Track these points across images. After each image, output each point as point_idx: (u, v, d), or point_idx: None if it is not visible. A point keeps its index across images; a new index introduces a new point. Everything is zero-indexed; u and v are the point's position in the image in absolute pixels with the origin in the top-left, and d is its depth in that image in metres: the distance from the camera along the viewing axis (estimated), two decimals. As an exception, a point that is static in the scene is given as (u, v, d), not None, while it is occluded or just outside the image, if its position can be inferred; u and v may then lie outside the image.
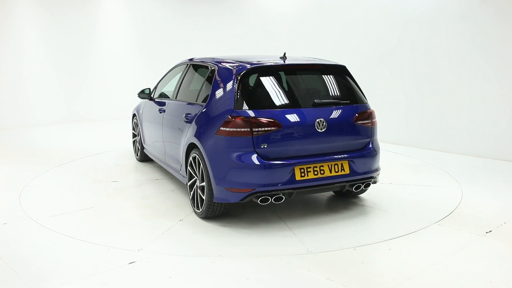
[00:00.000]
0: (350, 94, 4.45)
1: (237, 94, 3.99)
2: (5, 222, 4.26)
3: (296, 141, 3.98)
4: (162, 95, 5.64)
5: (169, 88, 5.61)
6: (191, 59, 5.39)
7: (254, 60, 4.37)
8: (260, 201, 3.91)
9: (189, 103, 4.73)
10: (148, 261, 3.46)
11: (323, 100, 4.23)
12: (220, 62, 4.53)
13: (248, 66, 4.17)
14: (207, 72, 4.67)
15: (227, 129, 3.90)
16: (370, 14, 8.15)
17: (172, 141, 4.96)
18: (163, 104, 5.39)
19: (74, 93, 10.45)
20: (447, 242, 3.84)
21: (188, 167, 4.47)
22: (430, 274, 3.27)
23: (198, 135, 4.24)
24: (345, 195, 4.94)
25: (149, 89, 5.96)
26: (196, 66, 5.13)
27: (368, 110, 4.41)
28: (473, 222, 4.27)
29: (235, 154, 3.88)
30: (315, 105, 4.14)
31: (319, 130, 4.04)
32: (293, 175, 3.91)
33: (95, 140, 8.38)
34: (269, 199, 3.92)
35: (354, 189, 4.27)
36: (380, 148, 4.61)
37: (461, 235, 3.97)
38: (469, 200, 4.90)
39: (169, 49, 10.90)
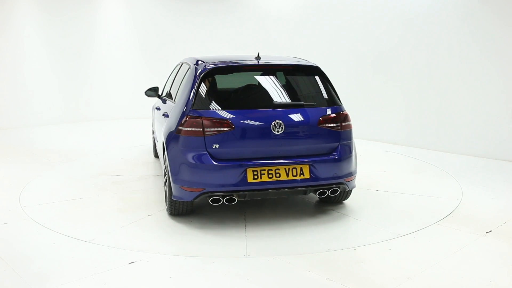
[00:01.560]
0: (319, 96, 4.30)
1: (196, 94, 4.04)
2: (5, 222, 4.26)
3: (250, 142, 3.92)
4: (167, 93, 5.69)
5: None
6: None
7: (228, 60, 4.36)
8: (211, 201, 3.93)
9: (171, 102, 4.81)
10: (148, 261, 3.46)
11: (282, 102, 4.12)
12: (197, 62, 4.46)
13: (210, 66, 4.18)
14: (186, 71, 4.72)
15: (183, 128, 3.94)
16: (370, 13, 8.15)
17: None
18: (164, 102, 5.45)
19: (74, 93, 10.45)
20: (447, 242, 3.84)
21: (163, 164, 4.58)
22: (430, 274, 3.27)
23: (164, 133, 4.33)
24: (327, 201, 4.69)
25: (157, 87, 6.00)
26: (183, 66, 5.20)
27: (336, 113, 4.19)
28: (473, 222, 4.27)
29: (188, 154, 3.91)
30: (275, 106, 4.06)
31: (276, 132, 3.92)
32: (245, 177, 3.85)
33: (94, 139, 8.38)
34: (220, 200, 3.92)
35: (318, 194, 4.11)
36: (357, 153, 4.43)
37: (461, 235, 3.97)
38: (469, 200, 4.90)
39: (169, 48, 10.90)
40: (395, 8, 7.80)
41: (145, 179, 5.66)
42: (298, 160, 3.97)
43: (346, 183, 4.21)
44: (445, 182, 5.58)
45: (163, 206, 4.66)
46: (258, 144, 3.93)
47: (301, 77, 4.45)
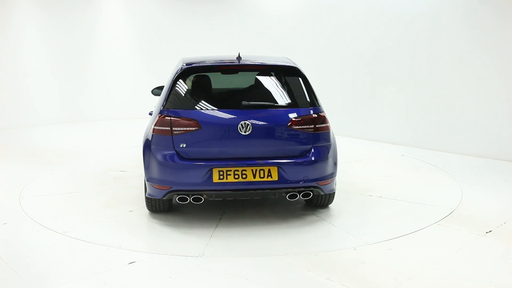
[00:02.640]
0: (294, 97, 4.24)
1: (169, 94, 4.09)
2: (5, 222, 4.26)
3: (216, 142, 3.93)
4: None
5: None
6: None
7: (206, 61, 4.39)
8: (178, 199, 3.98)
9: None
10: (148, 261, 3.46)
11: (251, 102, 4.04)
12: (184, 62, 4.47)
13: (185, 66, 4.23)
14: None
15: (155, 127, 4.01)
16: (370, 12, 8.14)
17: None
18: None
19: (74, 93, 10.44)
20: (447, 242, 3.84)
21: None
22: (430, 274, 3.27)
23: (145, 132, 4.36)
24: (311, 204, 4.60)
25: (163, 86, 5.99)
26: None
27: (310, 115, 4.07)
28: (473, 222, 4.27)
29: (158, 152, 3.97)
30: (244, 107, 4.01)
31: (243, 133, 3.89)
32: (211, 177, 3.86)
33: (94, 139, 8.38)
34: (187, 199, 3.96)
35: (288, 197, 4.03)
36: (338, 158, 4.28)
37: (461, 235, 3.97)
38: (469, 200, 4.89)
39: (169, 48, 10.89)
40: (395, 7, 7.79)
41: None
42: (266, 162, 3.92)
43: (320, 186, 4.07)
44: (445, 182, 5.58)
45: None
46: (225, 145, 3.93)
47: (279, 78, 4.39)
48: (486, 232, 4.03)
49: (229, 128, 3.91)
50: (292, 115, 4.03)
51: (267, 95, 4.29)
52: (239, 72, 4.54)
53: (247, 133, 3.90)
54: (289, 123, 3.98)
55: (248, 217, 4.38)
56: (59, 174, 5.93)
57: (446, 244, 3.79)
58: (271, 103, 4.14)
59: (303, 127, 4.02)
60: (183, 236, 3.97)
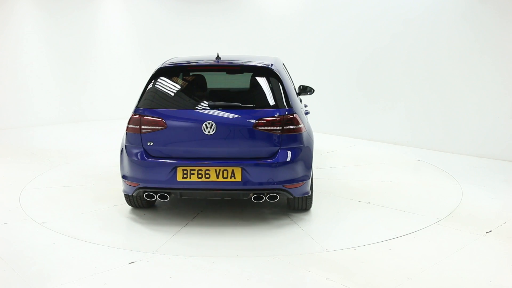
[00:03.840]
0: (265, 97, 4.18)
1: (143, 93, 4.20)
2: (5, 222, 4.26)
3: (181, 142, 3.98)
4: None
5: None
6: None
7: (183, 61, 4.45)
8: (145, 196, 4.08)
9: None
10: (148, 261, 3.46)
11: (217, 103, 4.08)
12: (164, 62, 4.55)
13: (159, 67, 4.32)
14: None
15: (128, 125, 4.14)
16: (370, 12, 8.14)
17: None
18: None
19: (74, 93, 10.44)
20: (447, 242, 3.84)
21: None
22: (430, 274, 3.28)
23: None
24: (291, 207, 4.50)
25: None
26: None
27: (278, 116, 3.99)
28: (473, 222, 4.27)
29: (129, 150, 4.10)
30: (211, 107, 4.05)
31: (207, 133, 3.91)
32: (175, 175, 3.91)
33: (95, 139, 8.38)
34: (154, 196, 4.06)
35: (254, 199, 4.00)
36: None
37: (461, 235, 3.97)
38: (469, 200, 4.90)
39: (169, 49, 10.89)
40: (395, 7, 7.79)
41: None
42: (229, 162, 3.91)
43: (288, 189, 4.00)
44: (445, 182, 5.58)
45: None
46: (189, 144, 3.97)
47: (253, 78, 4.37)
48: (486, 232, 4.03)
49: (193, 128, 3.94)
50: (259, 116, 3.97)
51: (236, 95, 4.28)
52: (219, 73, 4.56)
53: (211, 133, 3.91)
54: (255, 124, 3.94)
55: (222, 216, 4.39)
56: (59, 174, 5.92)
57: (446, 244, 3.79)
58: (238, 104, 4.12)
59: (269, 128, 3.95)
60: (148, 231, 4.06)
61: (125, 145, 4.14)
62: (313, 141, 4.41)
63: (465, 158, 6.87)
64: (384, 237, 3.91)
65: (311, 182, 4.32)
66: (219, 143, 3.93)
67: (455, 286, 3.12)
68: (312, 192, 4.43)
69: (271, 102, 4.10)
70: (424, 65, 7.52)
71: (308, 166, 4.14)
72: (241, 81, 4.42)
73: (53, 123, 10.03)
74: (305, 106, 5.99)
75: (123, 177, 4.15)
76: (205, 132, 3.91)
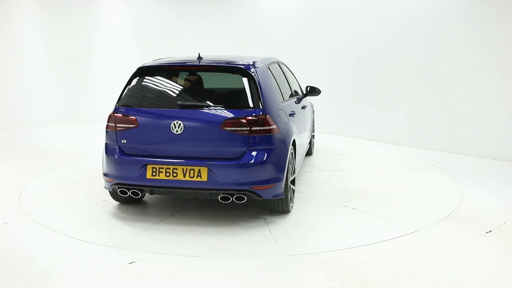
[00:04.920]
0: (235, 98, 4.19)
1: (122, 93, 4.34)
2: (5, 222, 4.26)
3: (151, 140, 4.07)
4: None
5: None
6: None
7: (162, 61, 4.53)
8: (119, 192, 4.20)
9: None
10: (148, 261, 3.46)
11: (186, 102, 4.12)
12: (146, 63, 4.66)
13: (140, 66, 4.44)
14: None
15: (107, 123, 4.29)
16: (370, 12, 8.14)
17: None
18: None
19: (74, 93, 10.44)
20: (447, 242, 3.84)
21: None
22: (430, 274, 3.28)
23: None
24: (267, 209, 4.46)
25: None
26: None
27: (247, 117, 3.96)
28: (473, 222, 4.27)
29: (107, 147, 4.26)
30: (180, 106, 4.08)
31: (175, 133, 3.96)
32: (144, 172, 4.01)
33: (95, 139, 8.38)
34: (127, 192, 4.16)
35: (221, 199, 3.99)
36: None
37: (461, 235, 3.97)
38: (469, 200, 4.90)
39: (169, 49, 10.89)
40: (395, 7, 7.79)
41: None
42: (196, 162, 3.94)
43: (256, 191, 3.97)
44: (445, 182, 5.58)
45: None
46: (159, 142, 4.05)
47: (228, 78, 4.38)
48: (486, 232, 4.03)
49: (163, 127, 4.01)
50: (227, 116, 3.97)
51: (208, 95, 4.28)
52: (203, 73, 4.58)
53: (179, 132, 3.96)
54: (222, 124, 3.94)
55: (199, 216, 4.40)
56: (59, 174, 5.93)
57: (446, 244, 3.79)
58: (207, 104, 4.13)
59: (236, 129, 3.94)
60: (121, 225, 4.19)
61: (105, 143, 4.30)
62: (289, 142, 4.28)
63: (465, 158, 6.87)
64: (384, 237, 3.91)
65: (287, 184, 4.22)
66: (186, 143, 3.98)
67: (455, 286, 3.12)
68: (291, 195, 4.43)
69: (242, 102, 4.09)
70: (425, 65, 7.52)
71: (280, 168, 4.10)
72: (222, 82, 4.43)
73: (53, 123, 10.03)
74: (306, 106, 5.97)
75: (103, 173, 4.30)
76: (173, 131, 3.98)
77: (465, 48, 7.00)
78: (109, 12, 10.84)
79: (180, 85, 4.41)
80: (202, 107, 4.08)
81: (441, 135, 7.42)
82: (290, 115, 4.70)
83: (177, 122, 3.97)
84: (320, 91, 6.08)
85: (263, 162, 3.97)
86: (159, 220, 4.30)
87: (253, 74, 4.19)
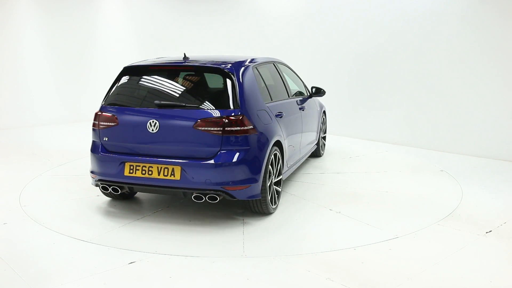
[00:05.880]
0: (212, 98, 4.19)
1: (108, 92, 4.48)
2: (5, 222, 4.26)
3: (129, 138, 4.18)
4: None
5: None
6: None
7: (146, 62, 4.64)
8: (101, 188, 4.35)
9: None
10: (148, 261, 3.46)
11: (162, 102, 4.16)
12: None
13: (125, 66, 4.54)
14: None
15: (93, 121, 4.43)
16: (369, 12, 8.14)
17: None
18: None
19: (74, 93, 10.45)
20: (447, 242, 3.84)
21: None
22: (430, 274, 3.28)
23: None
24: (247, 209, 4.45)
25: None
26: None
27: (220, 117, 3.96)
28: (473, 222, 4.27)
29: (92, 144, 4.42)
30: (157, 106, 4.14)
31: (151, 131, 4.04)
32: (123, 170, 4.13)
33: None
34: (108, 189, 4.29)
35: (194, 198, 4.01)
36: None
37: (461, 235, 3.97)
38: (469, 200, 4.90)
39: (169, 49, 10.89)
40: (395, 7, 7.79)
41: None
42: (170, 161, 4.00)
43: (229, 191, 3.97)
44: (445, 182, 5.58)
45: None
46: (136, 141, 4.14)
47: (209, 79, 4.39)
48: (486, 232, 4.03)
49: (140, 126, 4.10)
50: (200, 116, 3.99)
51: (185, 95, 4.29)
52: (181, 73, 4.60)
53: (154, 131, 4.04)
54: (195, 124, 3.96)
55: (176, 215, 4.44)
56: (59, 174, 5.93)
57: (446, 244, 3.79)
58: (183, 103, 4.14)
59: (209, 128, 3.96)
60: (101, 220, 4.34)
61: (92, 140, 4.46)
62: (268, 144, 4.23)
63: (465, 158, 6.87)
64: (384, 237, 3.91)
65: (265, 185, 4.18)
66: (161, 141, 4.06)
67: (455, 286, 3.12)
68: (273, 197, 4.41)
69: (218, 102, 4.10)
70: (425, 65, 7.52)
71: (256, 169, 4.08)
72: (202, 82, 4.43)
73: (53, 123, 10.03)
74: (306, 107, 5.89)
75: (90, 170, 4.44)
76: (149, 130, 4.06)
77: (466, 48, 7.00)
78: (109, 12, 10.84)
79: (160, 85, 4.45)
80: (177, 106, 4.12)
81: (441, 135, 7.42)
82: (277, 115, 4.65)
83: (153, 121, 4.05)
84: (325, 92, 6.12)
85: (236, 163, 3.97)
86: (139, 216, 4.41)
87: (231, 74, 4.20)
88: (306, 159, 6.53)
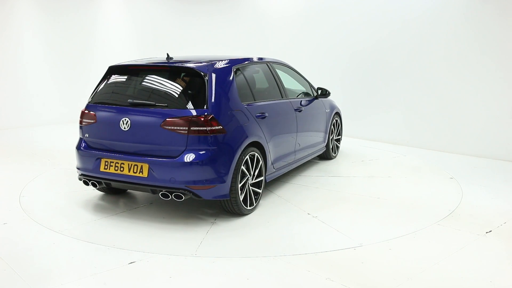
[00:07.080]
0: (183, 98, 4.18)
1: (94, 90, 4.64)
2: (5, 222, 4.26)
3: (105, 135, 4.35)
4: None
5: None
6: None
7: (129, 62, 4.75)
8: (83, 182, 4.51)
9: None
10: (148, 261, 3.46)
11: (135, 100, 4.26)
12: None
13: (110, 66, 4.68)
14: None
15: (79, 118, 4.60)
16: (370, 12, 8.15)
17: None
18: None
19: (74, 93, 10.45)
20: (447, 242, 3.84)
21: None
22: (430, 274, 3.28)
23: None
24: (225, 210, 4.42)
25: None
26: None
27: (187, 117, 3.98)
28: (473, 222, 4.27)
29: (78, 141, 4.59)
30: (130, 105, 4.26)
31: (123, 129, 4.18)
32: (99, 165, 4.29)
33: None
34: (88, 183, 4.46)
35: (161, 196, 4.06)
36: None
37: (461, 235, 3.97)
38: (469, 200, 4.90)
39: (168, 49, 10.89)
40: (395, 7, 7.79)
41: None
42: (139, 158, 4.12)
43: (194, 191, 4.00)
44: (445, 182, 5.58)
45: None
46: (111, 138, 4.30)
47: (182, 79, 4.38)
48: (486, 232, 4.04)
49: (114, 123, 4.25)
50: (168, 116, 4.04)
51: (157, 94, 4.31)
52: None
53: (126, 129, 4.18)
54: (163, 123, 4.03)
55: (151, 212, 4.51)
56: (59, 174, 5.93)
57: (446, 244, 3.79)
58: (153, 102, 4.19)
59: (175, 128, 4.01)
60: (78, 212, 4.53)
61: (79, 137, 4.63)
62: (240, 144, 4.21)
63: (465, 158, 6.87)
64: (384, 237, 3.91)
65: (235, 186, 4.17)
66: (132, 139, 4.18)
67: (455, 286, 3.12)
68: (249, 198, 4.39)
69: (188, 102, 4.13)
70: (424, 65, 7.52)
71: (223, 169, 4.08)
72: (179, 82, 4.44)
73: (53, 123, 10.03)
74: (302, 109, 5.74)
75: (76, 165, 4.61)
76: (121, 128, 4.19)
77: (465, 48, 7.00)
78: (109, 12, 10.84)
79: (136, 84, 4.51)
80: (148, 105, 4.19)
81: (441, 135, 7.42)
82: (258, 116, 4.62)
83: (125, 119, 4.18)
84: (330, 93, 6.14)
85: (200, 163, 3.99)
86: (120, 211, 4.54)
87: (203, 74, 4.21)
88: (314, 161, 6.49)
